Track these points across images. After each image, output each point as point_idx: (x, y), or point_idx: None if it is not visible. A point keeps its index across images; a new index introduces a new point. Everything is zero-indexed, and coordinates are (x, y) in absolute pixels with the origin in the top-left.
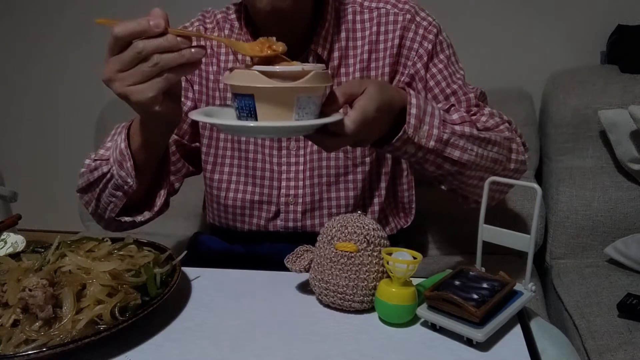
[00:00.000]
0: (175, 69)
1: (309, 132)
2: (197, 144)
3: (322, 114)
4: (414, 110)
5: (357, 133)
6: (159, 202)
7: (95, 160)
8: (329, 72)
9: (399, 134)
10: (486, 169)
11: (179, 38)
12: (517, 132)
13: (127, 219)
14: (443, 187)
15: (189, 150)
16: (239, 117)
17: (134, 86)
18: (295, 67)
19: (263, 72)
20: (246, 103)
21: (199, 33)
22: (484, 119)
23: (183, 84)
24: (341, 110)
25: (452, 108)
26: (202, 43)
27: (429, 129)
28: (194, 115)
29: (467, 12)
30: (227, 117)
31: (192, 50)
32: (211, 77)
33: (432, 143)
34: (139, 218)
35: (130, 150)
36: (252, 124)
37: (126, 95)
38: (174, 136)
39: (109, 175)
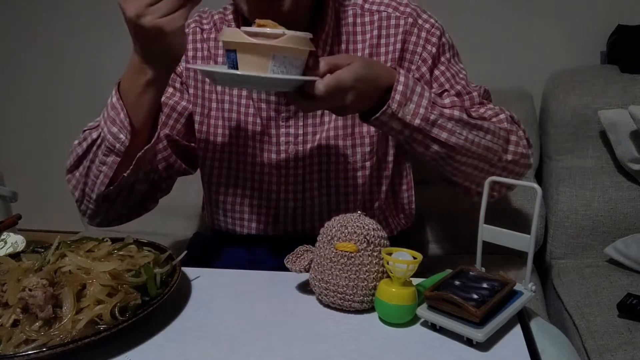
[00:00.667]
0: None
1: (285, 89)
2: (193, 143)
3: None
4: (400, 87)
5: (328, 97)
6: (151, 164)
7: (84, 131)
8: (309, 37)
9: (383, 108)
10: (479, 156)
11: None
12: (521, 127)
13: (112, 189)
14: (444, 183)
15: (181, 147)
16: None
17: (166, 17)
18: (277, 30)
19: (246, 32)
20: (231, 57)
21: None
22: (482, 109)
23: (178, 85)
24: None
25: (445, 93)
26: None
27: (416, 107)
28: (192, 65)
29: (468, 12)
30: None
31: None
32: (207, 79)
33: (417, 121)
34: (126, 173)
35: (124, 103)
36: (224, 70)
37: (160, 27)
38: (167, 132)
39: (99, 141)
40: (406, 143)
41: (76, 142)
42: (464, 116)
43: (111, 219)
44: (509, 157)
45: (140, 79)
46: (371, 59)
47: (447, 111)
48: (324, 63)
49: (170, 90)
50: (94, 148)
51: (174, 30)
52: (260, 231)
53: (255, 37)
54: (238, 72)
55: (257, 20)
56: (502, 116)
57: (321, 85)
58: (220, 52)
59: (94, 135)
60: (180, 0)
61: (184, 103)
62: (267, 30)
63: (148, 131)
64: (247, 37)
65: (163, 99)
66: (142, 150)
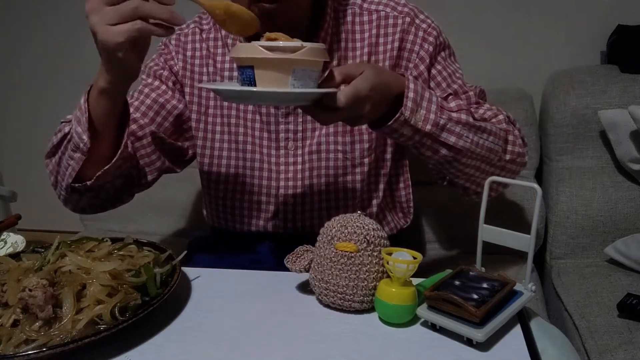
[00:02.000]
0: (149, 26)
1: (304, 103)
2: (179, 142)
3: (319, 88)
4: (411, 94)
5: (348, 108)
6: (115, 159)
7: (61, 122)
8: (325, 48)
9: (396, 116)
10: (482, 157)
11: None
12: (516, 126)
13: (80, 185)
14: (444, 182)
15: (167, 145)
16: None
17: (106, 26)
18: (294, 42)
19: (263, 46)
20: (247, 74)
21: None
22: (481, 110)
23: (171, 84)
24: (342, 87)
25: (450, 97)
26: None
27: (426, 113)
28: (203, 84)
29: (468, 12)
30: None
31: (173, 13)
32: (205, 78)
33: (428, 127)
34: (89, 181)
35: (88, 105)
36: (245, 88)
37: (95, 32)
38: (153, 128)
39: (69, 136)
40: (414, 148)
41: (55, 131)
42: (470, 119)
43: (83, 207)
44: (507, 156)
45: (97, 84)
46: (380, 67)
47: (454, 115)
48: (337, 73)
49: (162, 87)
50: (65, 142)
51: (107, 43)
52: (260, 228)
53: (273, 51)
54: (262, 90)
55: (267, 34)
56: (500, 117)
57: (342, 96)
58: (220, 51)
59: (66, 129)
60: (128, 14)
61: (174, 102)
62: (288, 43)
63: (113, 134)
64: (266, 52)
65: (154, 95)
66: (101, 171)
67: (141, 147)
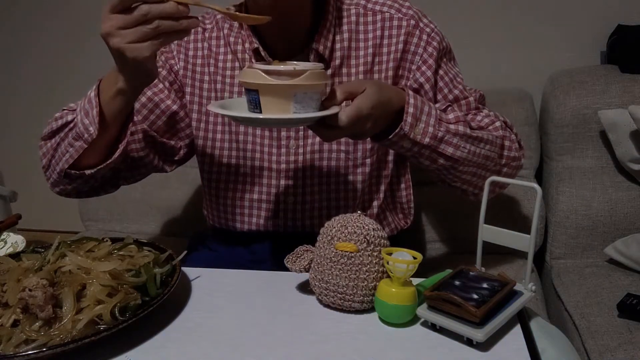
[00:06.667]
0: (170, 33)
1: (308, 123)
2: (172, 142)
3: (322, 108)
4: (411, 110)
5: (350, 126)
6: (112, 159)
7: (63, 110)
8: (326, 71)
9: (396, 130)
10: (478, 164)
11: (179, 7)
12: (513, 131)
13: (74, 172)
14: (443, 184)
15: (159, 143)
16: (249, 109)
17: (133, 44)
18: (294, 65)
19: (265, 71)
20: (253, 97)
21: (196, 1)
22: (479, 117)
23: (167, 84)
24: (343, 105)
25: (449, 108)
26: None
27: (425, 126)
28: (211, 107)
29: (468, 12)
30: (241, 108)
31: (189, 20)
32: (206, 77)
33: (427, 139)
34: (88, 171)
35: (99, 100)
36: (253, 116)
37: (124, 51)
38: (145, 126)
39: (72, 124)
40: (413, 157)
41: (56, 115)
42: (468, 131)
43: (69, 192)
44: (503, 161)
45: (113, 85)
46: (382, 83)
47: (452, 127)
48: (340, 92)
49: (159, 86)
50: (66, 129)
51: (137, 58)
52: (261, 227)
53: (275, 75)
54: (270, 117)
55: (275, 62)
56: (497, 124)
57: (344, 116)
58: (222, 50)
59: (69, 117)
60: (150, 32)
61: (168, 102)
62: (288, 68)
63: (117, 129)
64: (269, 78)
65: (149, 93)
66: (104, 164)
67: (132, 142)
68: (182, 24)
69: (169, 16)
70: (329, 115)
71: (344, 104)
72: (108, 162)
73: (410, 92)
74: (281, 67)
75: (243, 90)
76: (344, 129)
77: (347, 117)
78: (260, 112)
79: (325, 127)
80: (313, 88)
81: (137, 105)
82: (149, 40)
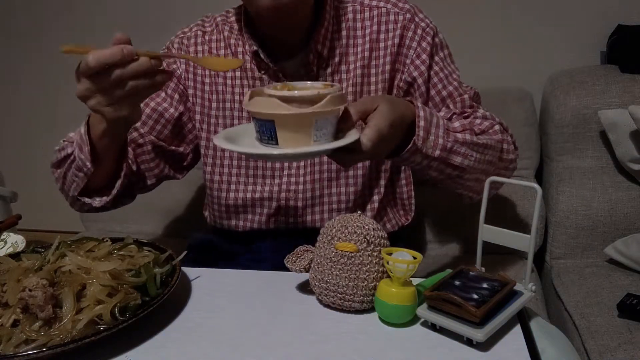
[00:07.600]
0: (148, 88)
1: (329, 153)
2: (181, 148)
3: (337, 131)
4: (422, 123)
5: (373, 150)
6: (115, 190)
7: (64, 141)
8: (343, 92)
9: (409, 146)
10: (482, 170)
11: (152, 61)
12: (509, 132)
13: (86, 200)
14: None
15: (168, 152)
16: (260, 139)
17: (110, 106)
18: (312, 90)
19: (281, 98)
20: (267, 127)
21: (166, 54)
22: (478, 121)
23: (170, 91)
24: (357, 125)
25: (454, 116)
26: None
27: (435, 139)
28: (217, 141)
29: (468, 12)
30: (248, 137)
31: (163, 75)
32: (207, 80)
33: (437, 152)
34: (96, 202)
35: (89, 137)
36: (276, 151)
37: (102, 113)
38: (152, 137)
39: (72, 157)
40: (420, 171)
41: (56, 148)
42: (474, 138)
43: (88, 210)
44: (502, 164)
45: (99, 125)
46: (392, 97)
47: (459, 136)
48: (354, 112)
49: (162, 95)
50: (68, 161)
51: (116, 118)
52: (262, 224)
53: (296, 103)
54: (290, 152)
55: (282, 85)
56: (496, 127)
57: (366, 140)
58: (222, 52)
59: (69, 150)
60: (125, 94)
61: (172, 110)
62: (307, 93)
63: (114, 161)
64: (287, 106)
65: (153, 104)
66: (106, 200)
67: (142, 153)
68: (156, 80)
69: (143, 74)
70: (352, 143)
71: (358, 124)
72: (111, 196)
73: (419, 104)
74: (298, 93)
75: (251, 118)
76: (365, 153)
77: (370, 140)
78: (276, 143)
79: (346, 153)
80: (334, 113)
81: (142, 117)
82: (126, 99)
